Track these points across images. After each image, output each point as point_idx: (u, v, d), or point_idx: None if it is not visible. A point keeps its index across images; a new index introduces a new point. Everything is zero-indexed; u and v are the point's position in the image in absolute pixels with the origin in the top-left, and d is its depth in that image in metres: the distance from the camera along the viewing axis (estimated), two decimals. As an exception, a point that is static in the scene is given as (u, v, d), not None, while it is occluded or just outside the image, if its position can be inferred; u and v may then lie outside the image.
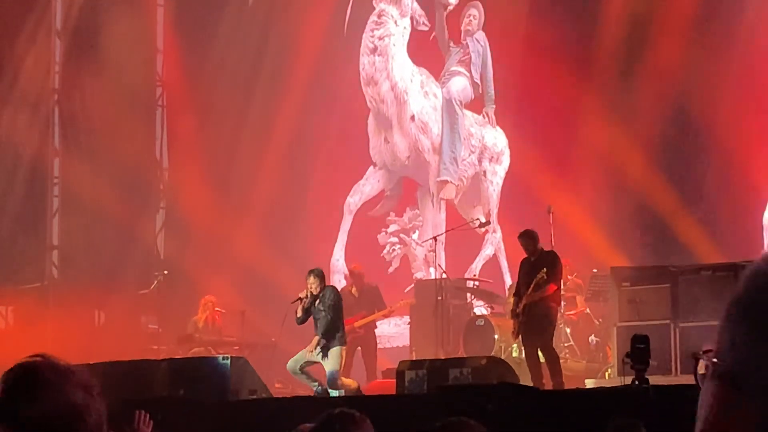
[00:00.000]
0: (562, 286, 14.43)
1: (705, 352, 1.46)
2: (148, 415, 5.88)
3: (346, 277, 20.92)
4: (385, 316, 17.49)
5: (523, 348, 14.12)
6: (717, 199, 17.50)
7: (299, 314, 14.22)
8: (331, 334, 14.06)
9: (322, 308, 14.06)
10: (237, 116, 21.95)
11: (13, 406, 2.28)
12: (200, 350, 17.27)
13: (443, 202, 20.84)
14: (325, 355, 14.01)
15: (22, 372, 2.35)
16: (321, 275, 14.30)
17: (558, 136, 18.91)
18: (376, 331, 17.61)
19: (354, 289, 17.36)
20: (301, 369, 14.11)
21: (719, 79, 17.53)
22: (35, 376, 2.33)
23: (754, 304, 1.41)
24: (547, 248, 14.60)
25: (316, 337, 14.12)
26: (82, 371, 2.37)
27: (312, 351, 14.05)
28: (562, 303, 15.85)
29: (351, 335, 16.58)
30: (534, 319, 13.53)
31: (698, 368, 1.50)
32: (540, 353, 13.65)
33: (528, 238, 13.92)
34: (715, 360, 1.42)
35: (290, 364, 14.08)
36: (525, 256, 14.05)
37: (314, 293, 14.08)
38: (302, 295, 14.19)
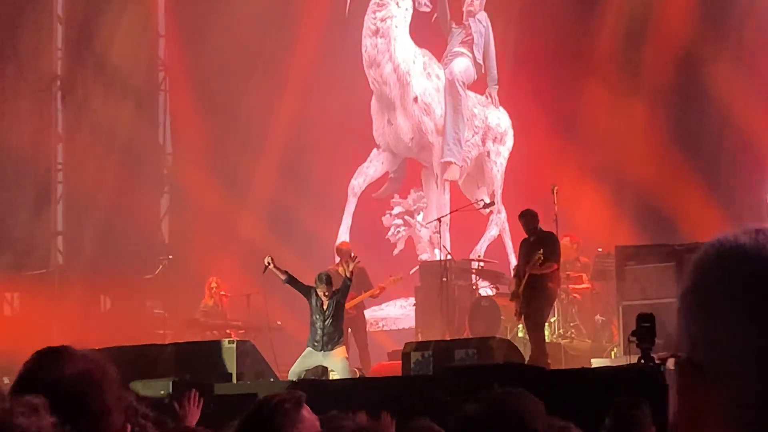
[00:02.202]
0: (561, 267, 14.42)
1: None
2: (197, 394, 5.85)
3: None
4: (374, 295, 17.29)
5: (525, 327, 14.17)
6: (722, 177, 17.49)
7: (283, 277, 14.13)
8: (336, 332, 13.97)
9: (330, 309, 13.91)
10: (240, 99, 21.94)
11: (39, 376, 2.53)
12: (209, 335, 17.33)
13: (447, 184, 20.83)
14: (326, 356, 13.85)
15: (46, 351, 2.61)
16: (330, 280, 14.18)
17: (561, 115, 18.89)
18: (365, 311, 17.60)
19: (341, 269, 16.73)
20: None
21: (726, 53, 17.49)
22: (58, 353, 2.57)
23: (702, 292, 1.41)
24: (552, 227, 14.62)
25: (308, 349, 14.00)
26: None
27: (309, 358, 13.93)
28: (568, 282, 15.91)
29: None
30: (532, 297, 13.55)
31: (668, 366, 1.51)
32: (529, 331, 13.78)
33: (528, 217, 13.93)
34: (677, 354, 1.43)
35: (291, 375, 13.84)
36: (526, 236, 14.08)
37: (325, 297, 13.91)
38: (267, 261, 14.15)
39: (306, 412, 3.90)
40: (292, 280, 14.14)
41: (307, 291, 14.09)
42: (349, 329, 16.68)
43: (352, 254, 15.20)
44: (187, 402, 5.83)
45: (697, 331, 1.40)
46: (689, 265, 1.44)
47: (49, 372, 2.49)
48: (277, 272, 14.15)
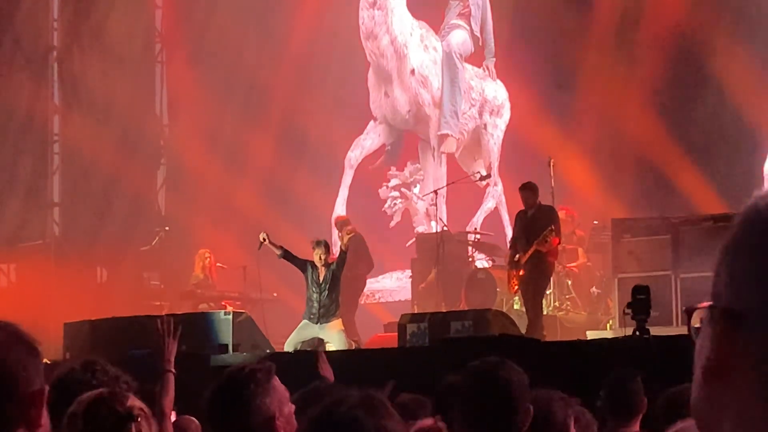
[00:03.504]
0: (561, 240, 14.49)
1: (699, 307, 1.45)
2: (171, 322, 5.72)
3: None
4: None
5: (523, 300, 14.20)
6: (718, 149, 17.50)
7: (279, 252, 14.10)
8: (332, 306, 13.98)
9: (326, 282, 13.91)
10: (237, 71, 21.90)
11: None
12: (205, 306, 17.34)
13: (444, 156, 20.82)
14: (323, 328, 13.89)
15: None
16: (328, 246, 14.22)
17: (558, 88, 18.87)
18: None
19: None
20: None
21: (723, 27, 17.47)
22: None
23: (752, 238, 1.40)
24: (548, 200, 14.63)
25: (304, 321, 14.02)
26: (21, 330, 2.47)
27: (305, 330, 13.95)
28: (564, 255, 15.93)
29: None
30: (533, 272, 13.59)
31: (692, 323, 1.50)
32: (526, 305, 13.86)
33: (529, 190, 13.92)
34: (711, 303, 1.42)
35: (287, 347, 13.87)
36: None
37: (322, 267, 13.89)
38: (262, 237, 14.07)
39: (276, 382, 3.92)
40: (287, 255, 14.13)
41: (302, 265, 14.09)
42: None
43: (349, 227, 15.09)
44: (161, 333, 5.68)
45: (738, 276, 1.39)
46: (738, 216, 1.44)
47: None
48: (273, 248, 14.14)
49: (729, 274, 1.40)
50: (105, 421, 3.25)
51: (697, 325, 1.46)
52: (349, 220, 17.57)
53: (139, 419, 3.26)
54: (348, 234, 14.47)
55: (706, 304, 1.42)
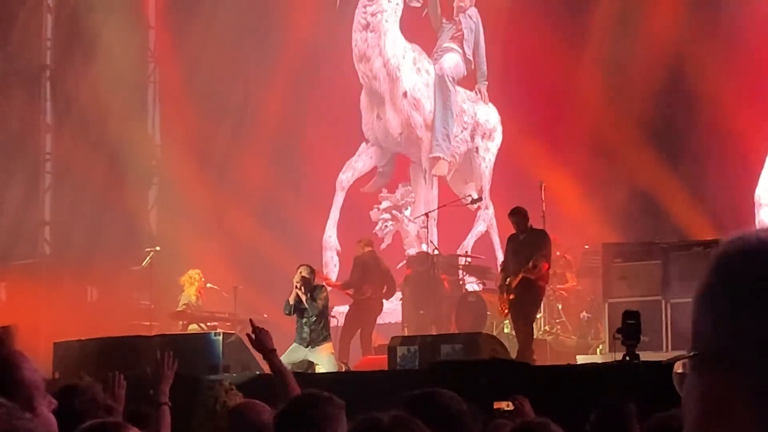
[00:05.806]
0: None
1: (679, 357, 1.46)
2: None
3: (338, 254, 20.93)
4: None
5: (513, 324, 14.20)
6: (709, 176, 17.52)
7: (292, 302, 14.10)
8: (323, 330, 14.04)
9: (315, 305, 13.95)
10: (229, 91, 21.91)
11: None
12: (196, 327, 17.30)
13: (435, 179, 20.84)
14: (313, 351, 13.94)
15: None
16: (312, 271, 14.29)
17: (550, 112, 18.90)
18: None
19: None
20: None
21: (713, 53, 17.52)
22: None
23: (731, 281, 1.42)
24: (539, 224, 14.64)
25: (294, 344, 14.08)
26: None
27: (295, 352, 14.00)
28: (554, 279, 15.93)
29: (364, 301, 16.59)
30: (523, 296, 13.59)
31: (675, 370, 1.50)
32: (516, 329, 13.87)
33: (518, 215, 13.95)
34: (694, 353, 1.43)
35: None
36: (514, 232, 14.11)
37: (301, 284, 13.95)
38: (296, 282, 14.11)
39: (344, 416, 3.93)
40: (291, 307, 14.15)
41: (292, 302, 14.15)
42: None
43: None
44: (162, 365, 5.74)
45: (723, 320, 1.41)
46: (711, 261, 1.46)
47: None
48: (292, 299, 14.12)
49: (712, 321, 1.42)
50: None
51: (680, 371, 1.47)
52: (367, 241, 17.39)
53: None
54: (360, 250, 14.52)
55: (689, 352, 1.44)
